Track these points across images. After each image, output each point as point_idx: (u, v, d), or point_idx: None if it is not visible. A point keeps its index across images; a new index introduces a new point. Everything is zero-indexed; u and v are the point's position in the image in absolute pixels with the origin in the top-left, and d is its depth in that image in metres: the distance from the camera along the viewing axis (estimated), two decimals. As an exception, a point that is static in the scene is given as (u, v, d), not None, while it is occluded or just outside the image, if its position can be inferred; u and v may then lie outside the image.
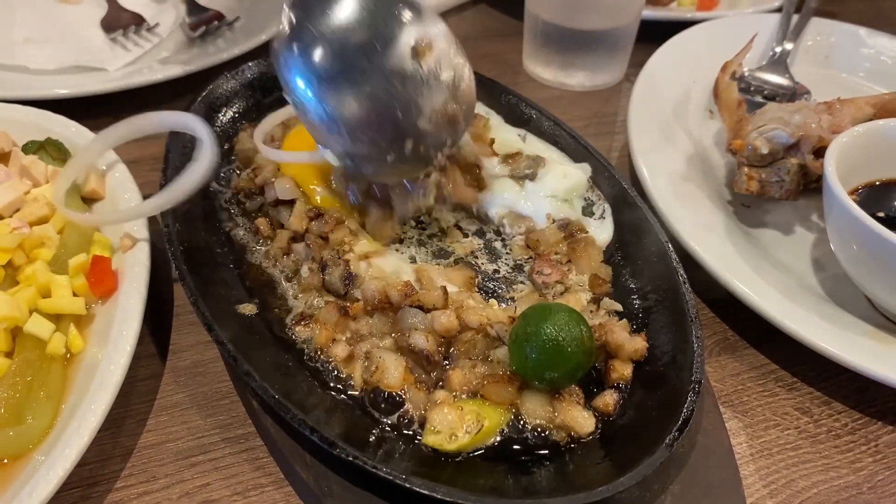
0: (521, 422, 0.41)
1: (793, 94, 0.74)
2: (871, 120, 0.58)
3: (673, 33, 0.78)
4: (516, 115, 0.65)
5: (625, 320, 0.47)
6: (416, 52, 0.44)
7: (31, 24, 0.77)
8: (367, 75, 0.43)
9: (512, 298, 0.49)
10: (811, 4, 0.86)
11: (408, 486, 0.35)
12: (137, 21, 0.78)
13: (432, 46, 0.45)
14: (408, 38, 0.44)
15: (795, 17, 0.83)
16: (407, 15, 0.45)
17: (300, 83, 0.45)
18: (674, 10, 0.88)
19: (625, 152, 0.69)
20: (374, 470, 0.36)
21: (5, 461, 0.41)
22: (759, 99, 0.72)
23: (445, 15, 0.92)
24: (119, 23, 0.78)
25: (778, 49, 0.79)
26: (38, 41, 0.75)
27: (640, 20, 0.77)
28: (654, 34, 0.80)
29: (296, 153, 0.53)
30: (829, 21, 0.84)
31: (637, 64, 0.74)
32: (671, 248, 0.50)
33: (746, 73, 0.75)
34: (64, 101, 0.66)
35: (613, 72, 0.79)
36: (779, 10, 0.85)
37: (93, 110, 0.67)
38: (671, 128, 0.67)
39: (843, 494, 0.44)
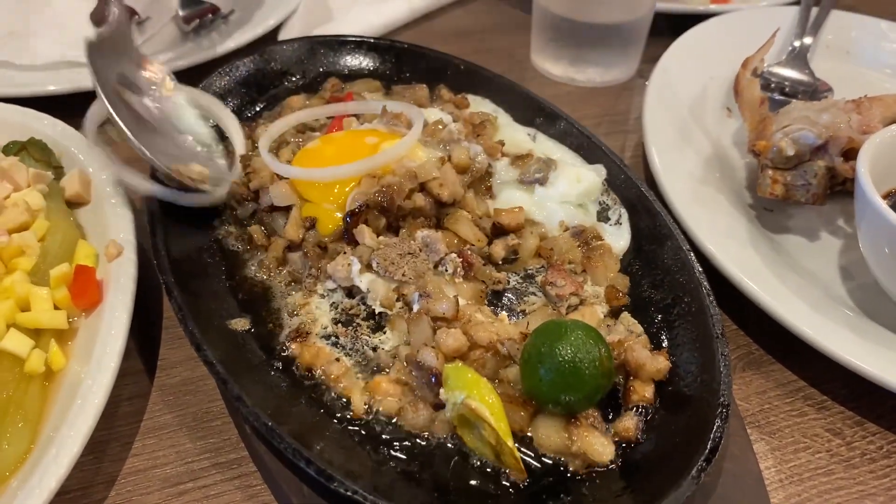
0: (535, 448, 0.39)
1: (814, 90, 0.70)
2: (901, 119, 0.55)
3: (687, 27, 0.75)
4: (525, 113, 0.62)
5: (645, 336, 0.44)
6: None
7: (16, 18, 0.74)
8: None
9: (523, 311, 0.46)
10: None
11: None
12: (129, 14, 0.74)
13: None
14: None
15: (815, 11, 0.80)
16: None
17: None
18: (689, 2, 0.84)
19: (638, 152, 0.66)
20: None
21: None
22: (778, 96, 0.69)
23: (450, 7, 0.89)
24: (108, 16, 0.74)
25: (797, 44, 0.76)
26: (24, 35, 0.72)
27: (653, 13, 0.74)
28: (668, 28, 0.77)
29: (308, 171, 0.50)
30: (850, 14, 0.81)
31: (650, 59, 0.71)
32: (693, 257, 0.47)
33: (766, 69, 0.72)
34: (51, 98, 0.63)
35: (625, 67, 0.76)
36: (797, 2, 0.82)
37: (80, 108, 0.63)
38: (688, 126, 0.64)
39: (880, 523, 0.41)
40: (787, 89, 0.71)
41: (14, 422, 0.40)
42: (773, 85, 0.71)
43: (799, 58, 0.74)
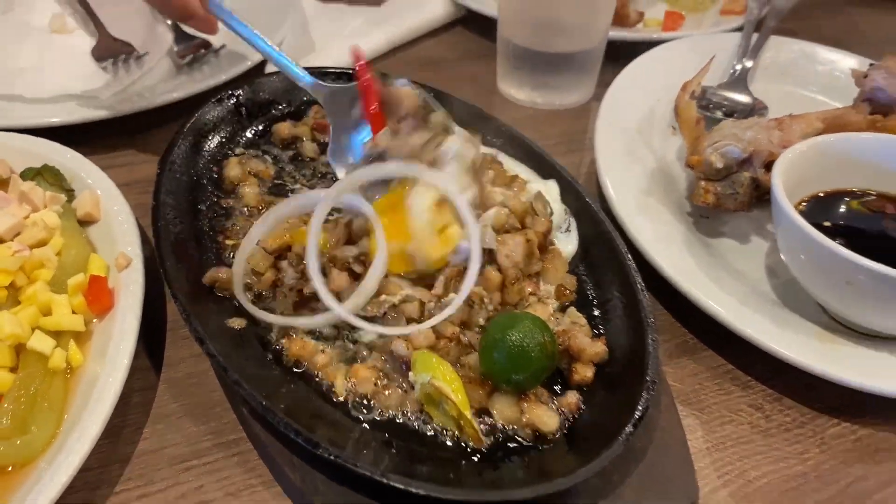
0: (492, 421, 0.45)
1: (751, 110, 0.78)
2: (820, 134, 0.63)
3: (640, 53, 0.83)
4: (490, 136, 0.68)
5: (587, 326, 0.50)
6: None
7: (26, 55, 0.80)
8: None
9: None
10: (770, 23, 0.91)
11: (384, 481, 0.39)
12: (127, 50, 0.81)
13: None
14: None
15: (755, 36, 0.88)
16: None
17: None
18: (640, 31, 0.92)
19: (592, 168, 0.73)
20: (353, 467, 0.39)
21: (10, 469, 0.44)
22: (718, 115, 0.77)
23: (423, 38, 0.96)
24: (109, 52, 0.81)
25: (738, 67, 0.83)
26: (33, 70, 0.78)
27: (606, 42, 0.81)
28: (621, 54, 0.84)
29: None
30: (787, 39, 0.89)
31: (605, 83, 0.78)
32: (630, 259, 0.54)
33: (708, 91, 0.80)
34: (59, 127, 0.70)
35: (582, 91, 0.83)
36: (740, 29, 0.89)
37: (87, 136, 0.70)
38: (635, 144, 0.71)
39: (792, 483, 0.47)
40: (726, 109, 0.78)
41: (42, 410, 0.46)
42: (713, 105, 0.78)
43: (739, 80, 0.82)
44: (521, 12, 0.78)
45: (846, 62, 0.82)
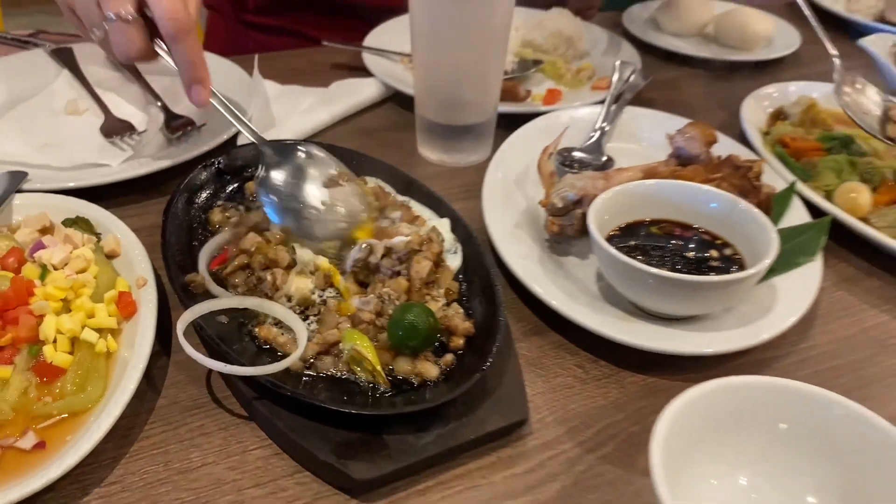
0: (394, 373, 0.69)
1: (603, 166, 1.05)
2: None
3: (527, 122, 1.09)
4: (405, 188, 0.93)
5: (462, 313, 0.74)
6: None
7: (48, 133, 1.02)
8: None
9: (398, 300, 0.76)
10: (627, 97, 1.18)
11: (324, 405, 0.62)
12: (129, 128, 1.04)
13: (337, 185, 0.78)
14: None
15: (614, 107, 1.16)
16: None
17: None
18: (527, 104, 1.19)
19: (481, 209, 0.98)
20: (304, 398, 0.62)
21: (65, 416, 0.65)
22: (575, 170, 1.03)
23: (360, 113, 1.22)
24: (114, 129, 1.04)
25: (598, 130, 1.10)
26: (55, 145, 1.00)
27: (496, 115, 1.07)
28: (512, 123, 1.09)
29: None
30: (639, 108, 1.15)
31: (497, 146, 1.05)
32: (494, 271, 0.78)
33: (572, 152, 1.06)
34: (82, 188, 0.92)
35: (480, 153, 1.08)
36: (603, 101, 1.17)
37: (104, 194, 0.92)
38: (512, 191, 0.96)
39: (596, 410, 0.71)
40: (584, 166, 1.04)
41: (93, 378, 0.66)
42: (570, 162, 1.05)
43: (596, 142, 1.08)
44: (430, 95, 1.03)
45: (674, 125, 1.10)
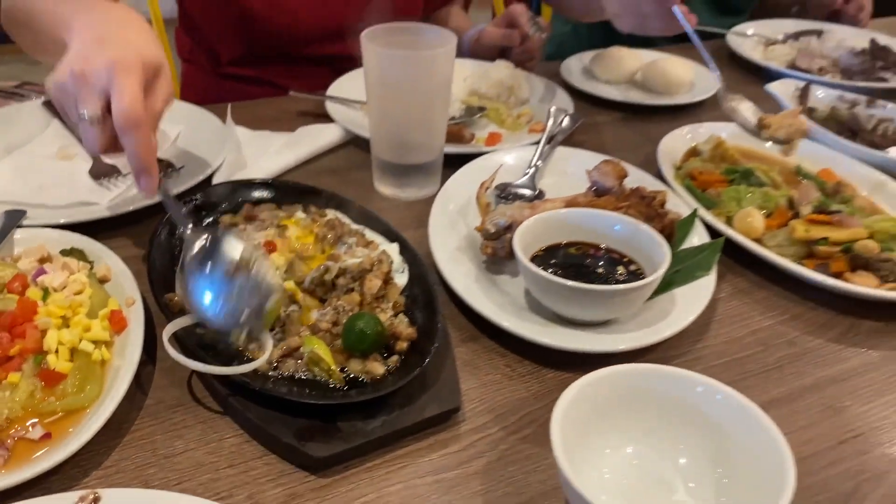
0: (347, 372, 0.81)
1: (535, 197, 1.20)
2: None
3: (470, 161, 1.24)
4: (362, 219, 1.07)
5: (407, 321, 0.87)
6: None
7: (43, 175, 1.14)
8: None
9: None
10: (559, 138, 1.34)
11: (288, 397, 0.74)
12: (115, 170, 1.17)
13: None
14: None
15: (547, 147, 1.31)
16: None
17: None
18: (472, 146, 1.35)
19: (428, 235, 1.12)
20: (271, 391, 0.75)
21: (67, 413, 0.77)
22: (510, 201, 1.18)
23: (324, 154, 1.36)
24: (102, 172, 1.16)
25: (532, 167, 1.26)
26: (49, 186, 1.12)
27: (443, 155, 1.22)
28: (457, 162, 1.24)
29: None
30: (567, 148, 1.31)
31: (445, 182, 1.19)
32: (436, 288, 0.91)
33: (508, 186, 1.21)
34: (75, 224, 1.04)
35: (430, 188, 1.21)
36: (538, 143, 1.33)
37: (95, 229, 1.04)
38: (456, 220, 1.10)
39: (521, 401, 0.84)
40: (516, 198, 1.19)
41: (90, 381, 0.77)
42: (510, 195, 1.20)
43: (530, 178, 1.23)
44: (384, 137, 1.17)
45: (596, 163, 1.26)
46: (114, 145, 0.83)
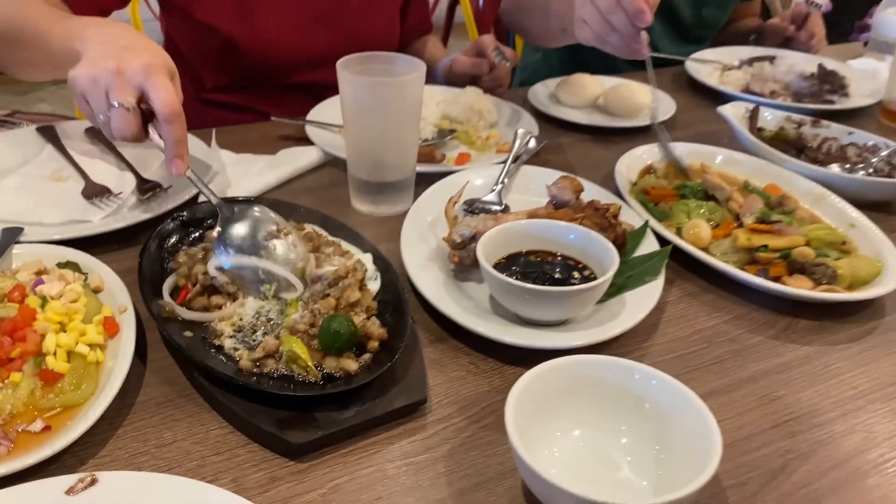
0: (323, 368, 0.89)
1: (501, 212, 1.28)
2: (522, 223, 1.13)
3: (440, 179, 1.33)
4: (337, 231, 1.15)
5: (378, 322, 0.95)
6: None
7: (38, 196, 1.21)
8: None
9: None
10: (524, 158, 1.44)
11: (270, 390, 0.82)
12: (106, 191, 1.24)
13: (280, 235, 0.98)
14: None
15: (513, 166, 1.41)
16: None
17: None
18: (442, 165, 1.44)
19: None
20: (255, 385, 0.82)
21: (65, 408, 0.84)
22: (477, 215, 1.26)
23: (305, 174, 1.44)
24: (94, 192, 1.23)
25: (499, 184, 1.35)
26: (44, 206, 1.18)
27: (416, 173, 1.31)
28: (429, 180, 1.33)
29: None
30: (532, 167, 1.40)
31: (416, 197, 1.27)
32: (406, 294, 0.99)
33: (476, 202, 1.30)
34: (70, 239, 1.12)
35: (403, 204, 1.29)
36: (504, 162, 1.42)
37: (88, 244, 1.12)
38: (426, 233, 1.18)
39: (483, 394, 0.92)
40: (483, 213, 1.28)
41: (86, 380, 0.84)
42: (477, 210, 1.29)
43: (496, 194, 1.31)
44: (359, 158, 1.26)
45: (554, 177, 1.35)
46: (135, 135, 0.93)
